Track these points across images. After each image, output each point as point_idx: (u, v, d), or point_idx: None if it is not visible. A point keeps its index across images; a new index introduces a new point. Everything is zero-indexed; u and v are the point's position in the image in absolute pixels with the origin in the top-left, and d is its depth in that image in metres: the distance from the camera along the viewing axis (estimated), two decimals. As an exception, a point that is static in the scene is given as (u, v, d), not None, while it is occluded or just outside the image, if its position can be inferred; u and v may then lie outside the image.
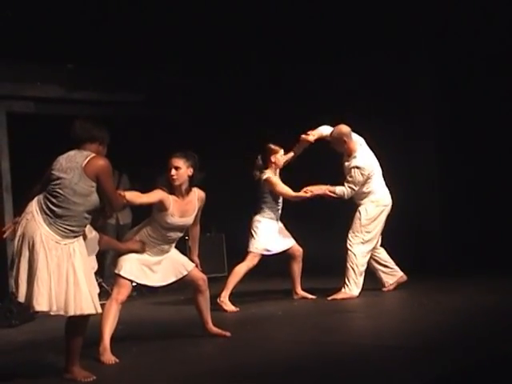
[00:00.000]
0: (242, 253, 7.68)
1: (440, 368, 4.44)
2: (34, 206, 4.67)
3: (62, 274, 4.56)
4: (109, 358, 5.26)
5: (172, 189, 5.68)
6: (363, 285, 7.70)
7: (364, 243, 7.53)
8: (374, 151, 7.73)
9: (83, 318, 4.68)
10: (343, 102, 9.44)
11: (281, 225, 7.74)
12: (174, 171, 5.66)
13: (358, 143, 7.62)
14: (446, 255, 9.36)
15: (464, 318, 6.11)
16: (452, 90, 9.39)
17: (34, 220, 4.60)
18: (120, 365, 5.21)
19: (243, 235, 7.77)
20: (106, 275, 9.14)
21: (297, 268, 7.85)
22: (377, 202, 7.61)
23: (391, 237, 7.81)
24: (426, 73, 9.72)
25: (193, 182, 5.75)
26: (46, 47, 9.03)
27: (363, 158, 7.54)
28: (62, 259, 4.58)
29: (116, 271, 5.67)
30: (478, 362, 4.57)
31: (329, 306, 7.30)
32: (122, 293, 5.60)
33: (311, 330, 6.10)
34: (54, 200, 4.63)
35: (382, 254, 7.80)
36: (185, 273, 5.80)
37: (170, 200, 5.66)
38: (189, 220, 5.78)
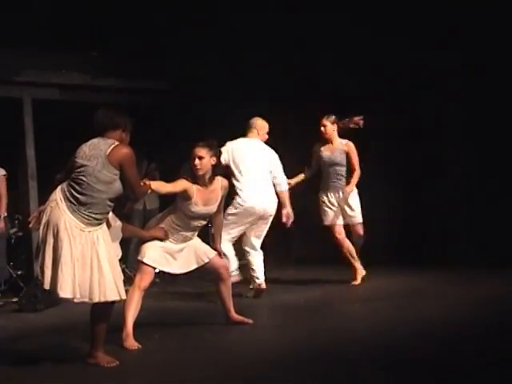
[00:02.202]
0: (264, 239, 7.67)
1: (465, 359, 4.43)
2: (57, 194, 4.70)
3: (87, 261, 4.59)
4: (131, 343, 5.31)
5: (196, 178, 5.70)
6: (385, 274, 7.72)
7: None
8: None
9: (107, 305, 4.72)
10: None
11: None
12: (197, 161, 5.67)
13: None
14: (467, 248, 9.31)
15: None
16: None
17: (58, 208, 4.64)
18: (142, 350, 5.24)
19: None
20: (130, 261, 9.19)
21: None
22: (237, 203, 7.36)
23: (411, 228, 7.78)
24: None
25: (216, 170, 5.76)
26: (71, 34, 9.06)
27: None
28: (86, 247, 4.61)
29: (139, 258, 5.71)
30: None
31: (351, 295, 7.30)
32: (144, 279, 5.63)
33: (333, 317, 6.10)
34: (77, 187, 4.67)
35: (254, 259, 7.49)
36: (206, 260, 5.82)
37: (194, 189, 5.68)
38: (212, 208, 5.80)
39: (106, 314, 4.78)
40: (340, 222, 7.88)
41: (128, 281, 8.98)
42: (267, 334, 5.62)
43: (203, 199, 5.72)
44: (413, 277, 7.85)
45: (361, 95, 9.41)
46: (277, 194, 7.43)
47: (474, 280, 7.63)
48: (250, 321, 5.93)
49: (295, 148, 9.23)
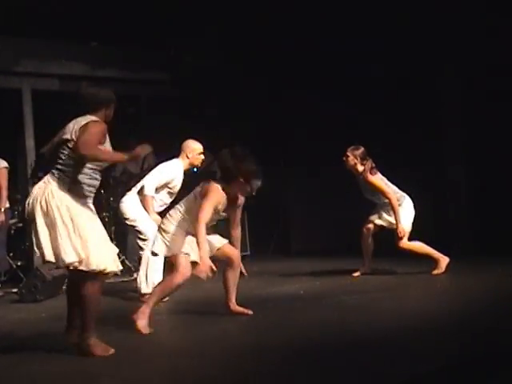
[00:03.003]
0: (263, 232, 7.68)
1: (449, 352, 4.42)
2: (45, 179, 4.75)
3: (78, 227, 4.62)
4: (144, 327, 5.38)
5: (229, 185, 5.66)
6: (387, 266, 7.72)
7: None
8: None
9: (97, 279, 4.70)
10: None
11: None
12: None
13: None
14: (472, 240, 9.31)
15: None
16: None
17: (45, 186, 4.69)
18: (139, 339, 5.24)
19: (266, 214, 7.78)
20: (129, 253, 9.20)
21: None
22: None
23: (421, 221, 7.77)
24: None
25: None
26: (71, 25, 9.04)
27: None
28: (76, 216, 4.63)
29: (170, 254, 5.61)
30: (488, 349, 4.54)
31: (351, 286, 7.29)
32: (187, 269, 5.54)
33: (333, 309, 6.09)
34: (63, 161, 4.72)
35: None
36: (218, 246, 5.81)
37: (224, 198, 5.68)
38: (229, 213, 5.84)
39: (96, 289, 4.73)
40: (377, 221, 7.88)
41: (128, 272, 9.07)
42: (266, 325, 5.61)
43: (226, 204, 5.72)
44: (413, 269, 7.84)
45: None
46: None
47: (477, 271, 7.63)
48: (250, 312, 5.92)
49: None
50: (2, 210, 8.13)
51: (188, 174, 10.17)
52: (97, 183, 4.84)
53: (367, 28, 9.45)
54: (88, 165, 4.72)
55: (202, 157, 7.46)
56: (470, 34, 9.11)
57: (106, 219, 9.44)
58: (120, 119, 11.24)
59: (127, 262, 9.30)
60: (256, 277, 8.16)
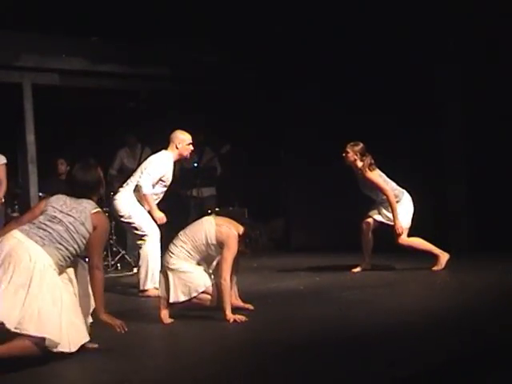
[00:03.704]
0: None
1: (448, 349, 4.43)
2: (16, 234, 4.56)
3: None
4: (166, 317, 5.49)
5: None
6: (387, 262, 7.72)
7: None
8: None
9: None
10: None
11: None
12: None
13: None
14: (473, 235, 9.30)
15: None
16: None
17: (21, 244, 4.50)
18: (140, 334, 5.25)
19: (266, 210, 7.78)
20: (129, 248, 9.21)
21: None
22: None
23: (421, 218, 7.77)
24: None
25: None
26: (71, 20, 9.02)
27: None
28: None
29: (195, 293, 5.59)
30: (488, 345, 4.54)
31: (351, 282, 7.30)
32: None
33: (333, 304, 6.10)
34: (49, 232, 4.57)
35: None
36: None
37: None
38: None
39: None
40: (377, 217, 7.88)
41: (126, 266, 9.07)
42: (266, 320, 5.61)
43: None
44: (413, 264, 7.84)
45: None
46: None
47: (477, 268, 7.63)
48: (251, 307, 5.92)
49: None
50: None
51: (189, 169, 10.23)
52: (68, 263, 4.69)
53: (365, 20, 9.45)
54: (75, 245, 4.63)
55: (191, 147, 7.42)
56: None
57: (107, 214, 9.43)
58: (120, 114, 11.33)
59: (127, 257, 9.31)
60: (256, 272, 8.17)
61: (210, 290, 5.60)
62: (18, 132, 9.32)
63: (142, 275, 7.07)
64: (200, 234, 5.65)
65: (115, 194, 7.48)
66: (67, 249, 4.57)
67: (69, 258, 4.60)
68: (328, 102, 9.96)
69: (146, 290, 7.03)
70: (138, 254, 7.24)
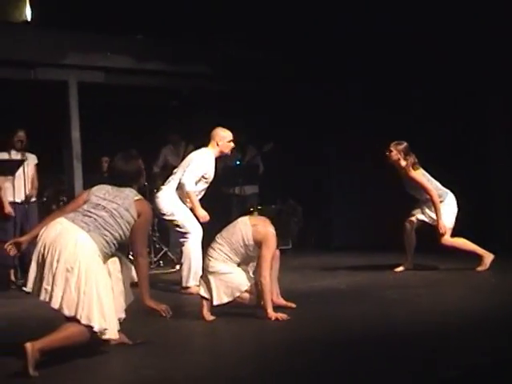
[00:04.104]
0: (304, 226, 7.65)
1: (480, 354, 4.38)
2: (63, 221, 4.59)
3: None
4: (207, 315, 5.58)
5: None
6: (430, 262, 7.66)
7: None
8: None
9: None
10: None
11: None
12: None
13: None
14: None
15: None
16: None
17: (67, 230, 4.53)
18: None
19: (306, 209, 7.73)
20: (172, 245, 9.26)
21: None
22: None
23: (465, 218, 7.70)
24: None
25: None
26: (116, 18, 9.11)
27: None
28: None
29: (237, 294, 5.64)
30: None
31: (393, 282, 7.25)
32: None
33: (374, 304, 6.07)
34: (97, 219, 4.62)
35: None
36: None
37: None
38: None
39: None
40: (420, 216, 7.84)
41: (169, 263, 9.14)
42: (308, 319, 5.61)
43: None
44: (457, 265, 7.76)
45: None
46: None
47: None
48: (293, 305, 5.93)
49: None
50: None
51: (231, 167, 10.25)
52: (113, 249, 4.76)
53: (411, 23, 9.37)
54: (120, 231, 4.69)
55: (232, 144, 7.44)
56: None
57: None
58: (163, 112, 11.39)
59: (170, 254, 9.37)
60: (297, 271, 8.16)
61: (250, 288, 5.63)
62: (64, 129, 9.44)
63: (185, 272, 7.12)
64: (236, 235, 5.67)
65: (158, 191, 7.54)
66: (112, 234, 4.62)
67: (114, 244, 4.65)
68: (371, 101, 9.90)
69: (189, 287, 7.07)
70: (181, 251, 7.28)
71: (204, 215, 7.14)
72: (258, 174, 10.63)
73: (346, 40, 9.97)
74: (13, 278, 8.13)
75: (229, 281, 5.61)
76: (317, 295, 6.63)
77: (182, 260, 7.19)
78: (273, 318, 5.44)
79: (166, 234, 9.36)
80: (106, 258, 4.64)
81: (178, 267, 8.21)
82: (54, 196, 9.48)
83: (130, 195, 4.74)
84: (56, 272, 4.39)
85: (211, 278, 5.64)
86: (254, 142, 10.77)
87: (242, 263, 5.75)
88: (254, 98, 10.59)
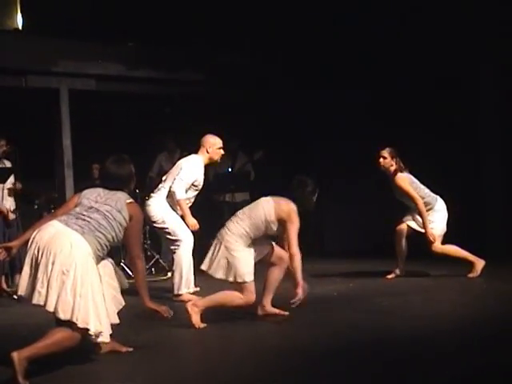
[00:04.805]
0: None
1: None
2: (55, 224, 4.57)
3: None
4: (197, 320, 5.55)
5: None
6: (421, 269, 7.67)
7: None
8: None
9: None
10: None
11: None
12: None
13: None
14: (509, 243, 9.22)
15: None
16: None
17: (61, 233, 4.50)
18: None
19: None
20: (163, 253, 9.25)
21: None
22: None
23: (456, 224, 7.72)
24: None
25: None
26: (107, 26, 9.13)
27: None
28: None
29: (240, 281, 5.61)
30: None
31: (385, 289, 7.26)
32: (251, 296, 5.66)
33: (366, 311, 6.08)
34: (89, 221, 4.60)
35: None
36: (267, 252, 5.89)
37: None
38: None
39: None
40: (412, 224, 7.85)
41: (161, 271, 9.12)
42: (300, 326, 5.61)
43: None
44: (448, 271, 7.78)
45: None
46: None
47: None
48: (286, 313, 5.92)
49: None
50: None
51: (222, 174, 10.24)
52: (105, 252, 4.75)
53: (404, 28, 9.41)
54: (112, 233, 4.67)
55: (222, 151, 7.43)
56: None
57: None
58: (156, 119, 11.40)
59: (161, 261, 9.36)
60: (289, 278, 8.14)
61: (248, 287, 5.60)
62: (55, 136, 9.44)
63: (176, 280, 7.11)
64: (258, 211, 5.77)
65: (149, 199, 7.52)
66: (106, 236, 4.61)
67: (106, 246, 4.64)
68: (363, 109, 9.94)
69: (181, 295, 7.06)
70: (172, 258, 7.27)
71: (194, 223, 7.13)
72: (250, 181, 10.64)
73: (341, 48, 10.02)
74: (4, 285, 8.10)
75: (233, 263, 5.61)
76: (309, 302, 6.59)
77: (174, 267, 7.18)
78: (300, 292, 5.63)
79: (157, 241, 9.35)
80: (99, 260, 4.63)
81: (169, 274, 8.19)
82: (46, 204, 9.46)
83: (122, 198, 4.75)
84: (51, 275, 4.37)
85: (220, 250, 5.66)
86: (244, 150, 10.78)
87: (256, 243, 5.74)
88: (244, 104, 10.61)
